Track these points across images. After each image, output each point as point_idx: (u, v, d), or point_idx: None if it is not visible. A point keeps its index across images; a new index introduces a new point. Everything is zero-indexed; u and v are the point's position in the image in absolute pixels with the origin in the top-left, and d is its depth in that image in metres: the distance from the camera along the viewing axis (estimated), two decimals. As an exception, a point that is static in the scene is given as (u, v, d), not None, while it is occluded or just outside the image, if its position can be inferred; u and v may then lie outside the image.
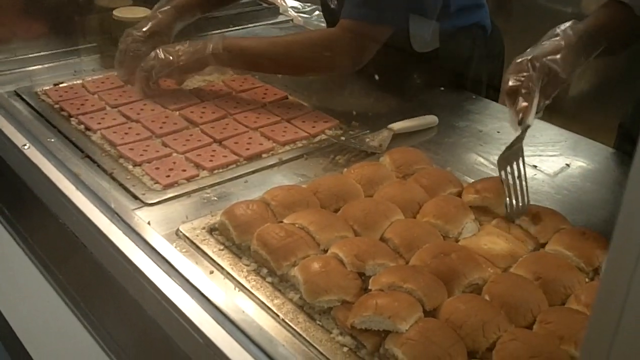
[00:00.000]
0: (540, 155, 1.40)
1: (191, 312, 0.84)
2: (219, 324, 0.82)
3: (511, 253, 1.06)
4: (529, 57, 1.16)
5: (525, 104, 1.13)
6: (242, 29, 2.07)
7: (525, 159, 1.37)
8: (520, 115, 1.13)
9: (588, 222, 1.18)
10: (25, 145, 1.22)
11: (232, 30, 2.05)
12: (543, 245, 1.10)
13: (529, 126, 1.15)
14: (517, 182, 1.15)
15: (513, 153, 1.17)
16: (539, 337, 0.89)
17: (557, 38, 1.21)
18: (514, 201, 1.14)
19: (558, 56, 1.18)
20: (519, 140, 1.16)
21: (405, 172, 1.25)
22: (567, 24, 1.23)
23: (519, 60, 1.17)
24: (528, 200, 1.15)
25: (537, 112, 1.17)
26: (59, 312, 1.27)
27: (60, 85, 1.60)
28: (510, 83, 1.15)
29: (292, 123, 1.47)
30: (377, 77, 1.67)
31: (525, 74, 1.15)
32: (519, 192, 1.14)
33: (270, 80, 1.69)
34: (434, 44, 1.97)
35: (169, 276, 0.90)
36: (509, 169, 1.15)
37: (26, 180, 1.25)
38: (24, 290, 1.50)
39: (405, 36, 1.89)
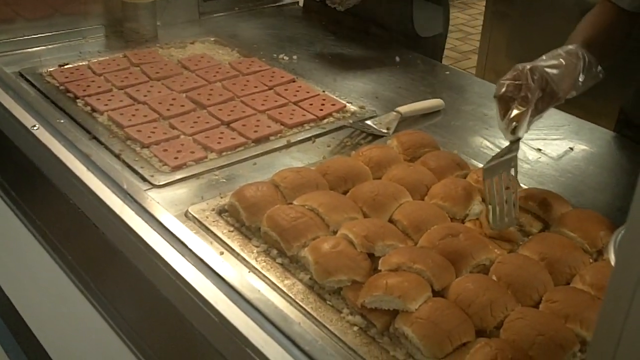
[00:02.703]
0: (544, 139, 1.41)
1: (206, 291, 0.86)
2: (233, 302, 0.83)
3: (516, 234, 1.08)
4: (529, 66, 1.12)
5: (519, 112, 1.09)
6: (247, 10, 2.07)
7: (530, 142, 1.39)
8: (514, 124, 1.09)
9: (591, 204, 1.20)
10: (34, 126, 1.23)
11: (237, 12, 2.05)
12: (548, 227, 1.11)
13: (519, 138, 1.11)
14: (505, 194, 1.07)
15: (503, 164, 1.11)
16: (546, 315, 0.91)
17: (559, 57, 1.17)
18: (497, 214, 1.06)
19: (557, 72, 1.14)
20: (511, 151, 1.11)
21: (413, 155, 1.26)
22: (570, 46, 1.20)
23: (518, 67, 1.12)
24: (516, 215, 1.06)
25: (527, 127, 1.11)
26: (69, 294, 1.28)
27: (66, 67, 1.60)
28: (504, 89, 1.10)
29: (300, 106, 1.47)
30: (398, 58, 1.68)
31: (523, 82, 1.10)
32: (504, 205, 1.06)
33: (277, 64, 1.69)
34: (438, 29, 1.98)
35: (183, 256, 0.92)
36: (495, 179, 1.09)
37: (35, 161, 1.26)
38: (32, 273, 1.50)
39: (409, 20, 1.90)
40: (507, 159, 1.11)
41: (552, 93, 1.13)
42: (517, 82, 1.10)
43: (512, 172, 1.09)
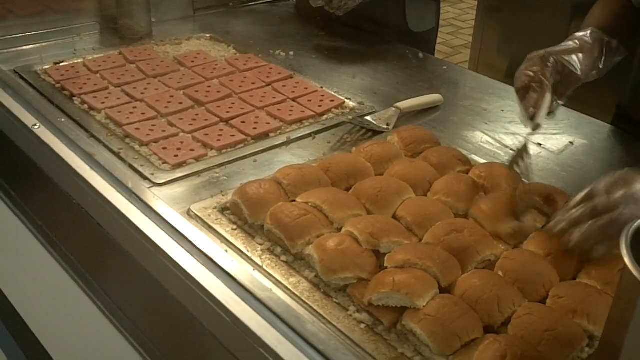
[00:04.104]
0: (544, 134, 1.42)
1: (216, 290, 0.85)
2: (245, 301, 0.83)
3: (520, 229, 1.08)
4: (542, 53, 1.15)
5: (535, 96, 1.11)
6: (241, 7, 2.06)
7: (530, 137, 1.40)
8: (532, 110, 1.12)
9: (593, 199, 1.20)
10: (35, 125, 1.21)
11: (231, 8, 2.04)
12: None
13: (539, 125, 1.14)
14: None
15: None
16: (553, 311, 0.91)
17: (573, 40, 1.20)
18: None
19: (573, 55, 1.17)
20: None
21: (414, 151, 1.26)
22: (584, 31, 1.23)
23: (531, 56, 1.16)
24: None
25: (549, 112, 1.15)
26: (72, 295, 1.27)
27: (61, 64, 1.59)
28: (522, 80, 1.14)
29: (298, 102, 1.47)
30: (421, 54, 1.67)
31: (536, 68, 1.14)
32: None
33: (274, 60, 1.69)
34: (430, 24, 1.98)
35: (192, 255, 0.91)
36: None
37: (36, 161, 1.24)
38: (34, 274, 1.49)
39: (402, 15, 1.90)
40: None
41: (570, 75, 1.16)
42: (532, 70, 1.14)
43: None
